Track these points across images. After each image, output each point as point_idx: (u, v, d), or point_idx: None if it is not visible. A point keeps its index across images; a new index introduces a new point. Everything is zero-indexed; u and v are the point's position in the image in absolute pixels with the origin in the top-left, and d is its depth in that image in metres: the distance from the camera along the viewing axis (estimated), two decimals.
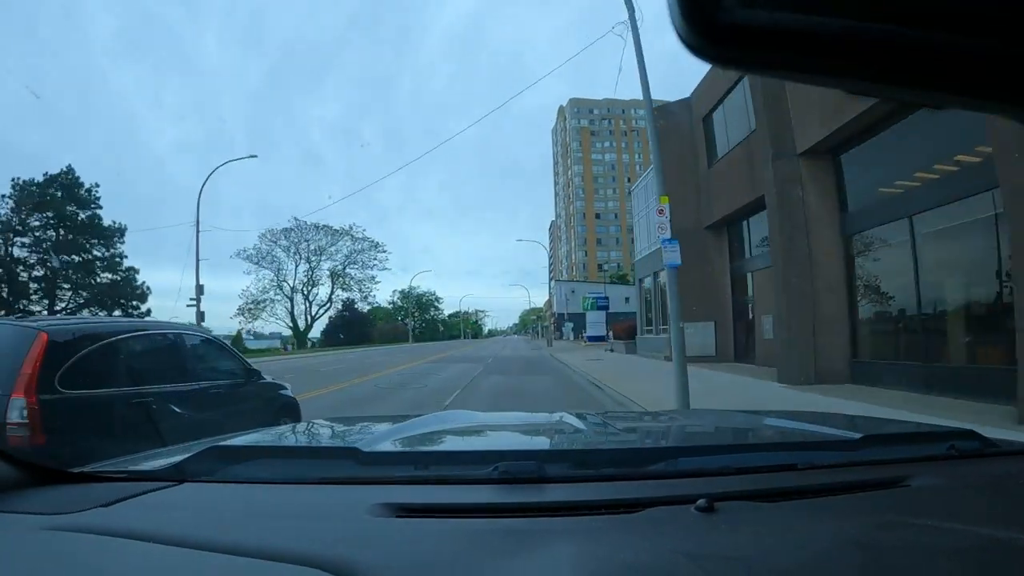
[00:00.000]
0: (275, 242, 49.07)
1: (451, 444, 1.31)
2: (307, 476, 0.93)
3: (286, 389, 4.48)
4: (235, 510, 0.83)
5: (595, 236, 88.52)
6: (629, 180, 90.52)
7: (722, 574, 0.59)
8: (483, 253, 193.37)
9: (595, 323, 38.58)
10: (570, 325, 49.15)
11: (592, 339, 36.04)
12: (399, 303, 78.99)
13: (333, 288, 51.83)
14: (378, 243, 53.40)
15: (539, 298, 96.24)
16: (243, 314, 47.94)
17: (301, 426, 1.76)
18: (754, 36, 0.27)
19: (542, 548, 0.65)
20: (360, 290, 53.61)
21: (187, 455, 0.98)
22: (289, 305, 49.77)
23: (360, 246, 52.42)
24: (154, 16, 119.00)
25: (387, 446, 1.14)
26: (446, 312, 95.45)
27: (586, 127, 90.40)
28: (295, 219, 51.75)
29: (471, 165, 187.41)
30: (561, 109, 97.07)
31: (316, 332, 57.22)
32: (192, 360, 3.60)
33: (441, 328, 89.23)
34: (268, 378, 4.27)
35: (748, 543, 0.66)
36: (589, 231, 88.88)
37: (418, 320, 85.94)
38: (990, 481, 0.93)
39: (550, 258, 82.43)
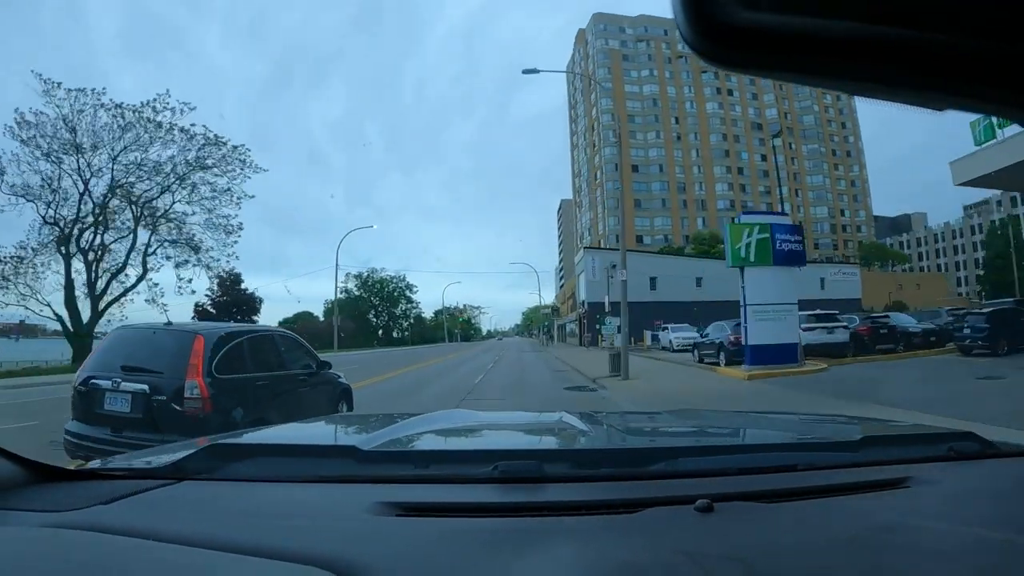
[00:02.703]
0: (35, 150, 24.97)
1: (451, 443, 1.55)
2: (307, 474, 1.12)
3: (342, 377, 6.94)
4: (234, 508, 1.00)
5: (632, 196, 74.68)
6: (677, 121, 79.49)
7: (721, 574, 0.71)
8: (483, 252, 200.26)
9: (779, 319, 14.66)
10: (613, 322, 26.31)
11: (759, 356, 14.16)
12: (356, 292, 73.85)
13: (146, 243, 27.96)
14: (227, 141, 28.13)
15: (548, 294, 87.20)
16: None
17: (301, 424, 2.06)
18: (756, 38, 0.34)
19: (542, 548, 0.80)
20: (188, 244, 28.37)
21: (187, 453, 1.18)
22: (64, 273, 25.87)
23: (192, 150, 27.40)
24: (156, 15, 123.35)
25: (387, 445, 1.33)
26: (427, 307, 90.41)
27: (616, 49, 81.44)
28: (42, 79, 24.80)
29: (472, 163, 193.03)
30: (580, 33, 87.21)
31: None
32: (287, 353, 5.95)
33: (414, 324, 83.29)
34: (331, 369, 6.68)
35: (748, 543, 0.80)
36: (625, 187, 58.84)
37: (382, 316, 77.85)
38: (989, 482, 1.11)
39: (560, 238, 71.58)
